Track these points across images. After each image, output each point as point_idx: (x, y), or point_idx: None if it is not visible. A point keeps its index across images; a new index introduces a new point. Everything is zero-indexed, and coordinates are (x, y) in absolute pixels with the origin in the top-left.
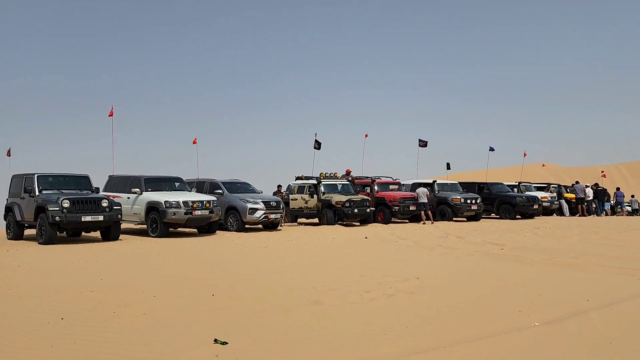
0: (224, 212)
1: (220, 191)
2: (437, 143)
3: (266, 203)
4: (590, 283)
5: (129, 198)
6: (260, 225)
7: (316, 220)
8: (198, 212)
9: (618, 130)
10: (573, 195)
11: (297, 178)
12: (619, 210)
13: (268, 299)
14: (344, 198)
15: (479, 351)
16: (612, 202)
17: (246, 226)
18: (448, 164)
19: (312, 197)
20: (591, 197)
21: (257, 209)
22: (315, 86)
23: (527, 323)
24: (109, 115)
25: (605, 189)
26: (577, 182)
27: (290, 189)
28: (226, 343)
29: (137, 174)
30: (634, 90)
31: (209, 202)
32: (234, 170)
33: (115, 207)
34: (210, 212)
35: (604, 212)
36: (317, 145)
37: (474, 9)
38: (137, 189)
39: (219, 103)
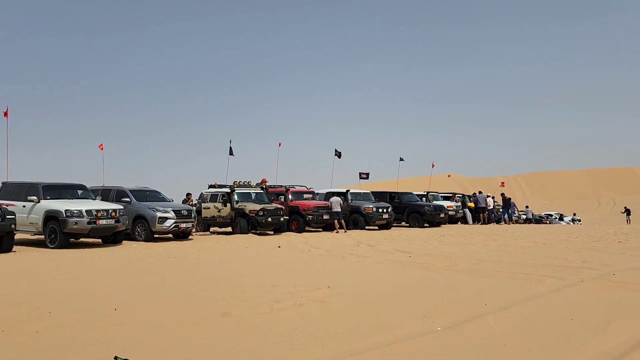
0: (132, 221)
1: (127, 199)
2: (351, 152)
3: (177, 212)
4: (488, 288)
5: (24, 206)
6: (170, 235)
7: (229, 229)
8: (102, 222)
9: (517, 143)
10: (472, 204)
11: (210, 186)
12: (516, 218)
13: (175, 312)
14: (257, 207)
15: (384, 358)
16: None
17: (155, 236)
18: (361, 174)
19: (225, 205)
20: (492, 206)
21: (167, 218)
22: (231, 96)
23: (431, 328)
24: (4, 116)
25: (510, 198)
26: (479, 192)
27: (202, 198)
28: None
29: (34, 181)
30: (534, 105)
31: (114, 210)
32: (144, 179)
33: (8, 217)
34: (116, 222)
35: (504, 221)
36: (231, 152)
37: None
38: (34, 197)
39: (128, 112)
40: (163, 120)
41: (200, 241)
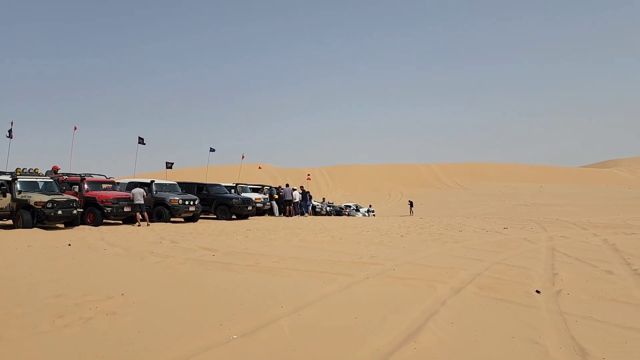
0: None
1: None
2: (158, 140)
3: None
4: (285, 288)
5: None
6: None
7: (10, 222)
8: None
9: (322, 136)
10: (277, 196)
11: None
12: (319, 209)
13: None
14: (45, 198)
15: None
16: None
17: None
18: (167, 163)
19: (5, 196)
20: (298, 200)
21: None
22: (15, 74)
23: (227, 337)
24: None
25: (308, 192)
26: (287, 185)
27: None
28: None
29: None
30: (337, 103)
31: None
32: None
33: None
34: None
35: (308, 213)
36: (10, 134)
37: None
38: None
39: None
40: None
41: None
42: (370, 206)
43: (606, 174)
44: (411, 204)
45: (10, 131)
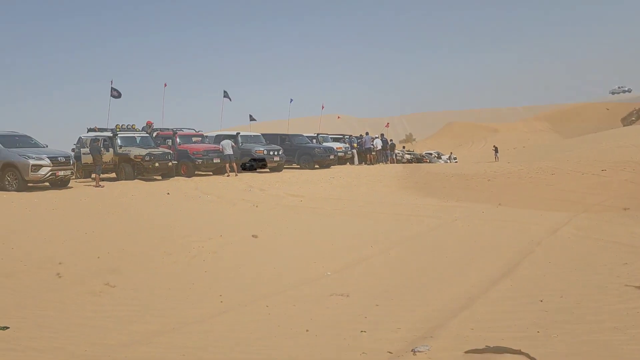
0: None
1: None
2: (240, 92)
3: (53, 159)
4: (374, 230)
5: None
6: (47, 184)
7: (114, 175)
8: None
9: (402, 84)
10: (355, 145)
11: (90, 130)
12: (400, 158)
13: (50, 275)
14: (143, 152)
15: (277, 305)
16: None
17: (29, 185)
18: (251, 116)
19: (108, 150)
20: (379, 147)
21: (41, 166)
22: (112, 31)
23: (321, 273)
24: None
25: (390, 140)
26: (366, 134)
27: (81, 142)
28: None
29: None
30: (419, 49)
31: None
32: (16, 123)
33: None
34: None
35: (389, 160)
36: (117, 93)
37: None
38: None
39: None
40: (33, 55)
41: (81, 189)
42: (451, 153)
43: None
44: (496, 150)
45: (114, 89)
